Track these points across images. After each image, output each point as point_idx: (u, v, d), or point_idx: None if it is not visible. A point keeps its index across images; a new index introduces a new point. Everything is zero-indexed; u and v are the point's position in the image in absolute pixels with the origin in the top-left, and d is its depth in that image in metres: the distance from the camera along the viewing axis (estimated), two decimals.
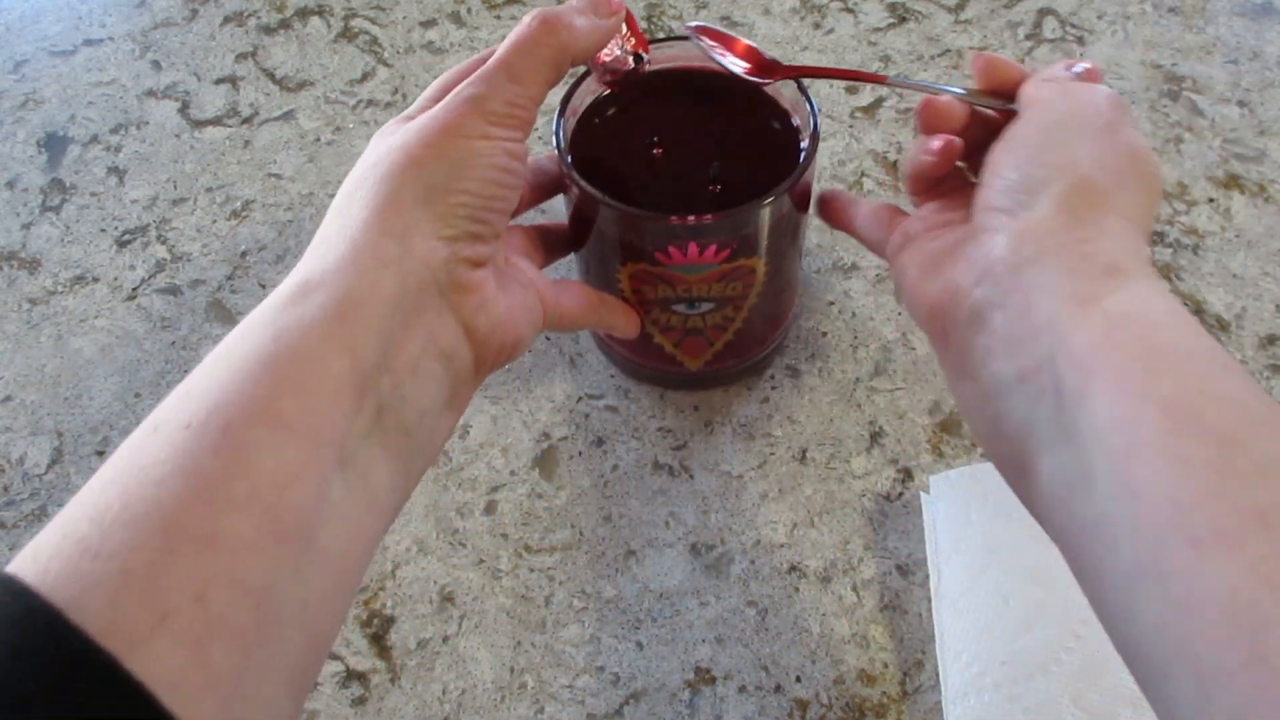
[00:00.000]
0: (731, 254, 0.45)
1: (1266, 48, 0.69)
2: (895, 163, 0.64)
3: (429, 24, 0.72)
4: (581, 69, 0.47)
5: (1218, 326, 0.57)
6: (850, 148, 0.65)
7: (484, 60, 0.41)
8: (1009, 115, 0.40)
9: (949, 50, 0.69)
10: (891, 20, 0.72)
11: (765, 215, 0.44)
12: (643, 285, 0.48)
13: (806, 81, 0.47)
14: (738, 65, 0.47)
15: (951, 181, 0.43)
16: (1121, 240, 0.34)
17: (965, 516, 0.49)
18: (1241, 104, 0.66)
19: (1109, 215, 0.35)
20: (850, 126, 0.66)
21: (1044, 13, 0.71)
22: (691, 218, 0.43)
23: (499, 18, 0.72)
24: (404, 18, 0.73)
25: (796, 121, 0.48)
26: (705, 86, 0.49)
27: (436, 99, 0.42)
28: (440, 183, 0.36)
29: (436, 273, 0.36)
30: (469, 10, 0.73)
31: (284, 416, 0.29)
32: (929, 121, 0.42)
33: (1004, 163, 0.37)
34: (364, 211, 0.36)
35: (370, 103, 0.68)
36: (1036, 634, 0.45)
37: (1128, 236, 0.34)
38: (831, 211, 0.48)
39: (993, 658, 0.45)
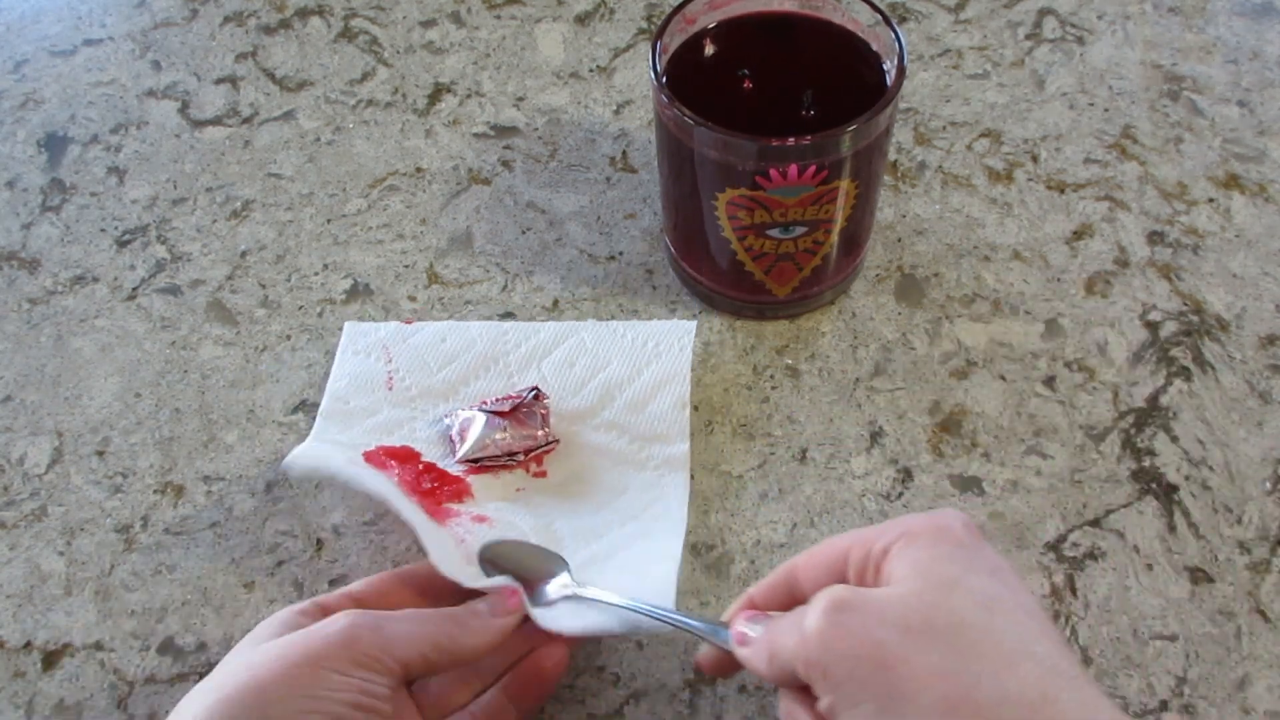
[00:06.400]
0: (827, 176, 0.49)
1: (1266, 48, 0.69)
2: None
3: (429, 24, 0.72)
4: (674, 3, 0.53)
5: (1218, 326, 0.57)
6: None
7: (408, 578, 0.44)
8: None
9: (949, 50, 0.69)
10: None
11: (862, 134, 0.48)
12: (739, 211, 0.51)
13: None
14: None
15: None
16: None
17: None
18: (1241, 104, 0.66)
19: None
20: None
21: (1044, 13, 0.71)
22: (792, 139, 0.47)
23: (499, 18, 0.72)
24: (404, 18, 0.73)
25: (876, 47, 0.52)
26: (785, 25, 0.54)
27: (357, 596, 0.44)
28: (281, 714, 0.37)
29: None
30: (469, 10, 0.73)
31: None
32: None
33: None
34: None
35: (370, 103, 0.68)
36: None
37: None
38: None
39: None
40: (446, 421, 0.54)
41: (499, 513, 0.50)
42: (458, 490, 0.51)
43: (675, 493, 0.51)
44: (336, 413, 0.54)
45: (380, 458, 0.52)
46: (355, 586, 0.44)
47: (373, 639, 0.39)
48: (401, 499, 0.47)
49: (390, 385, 0.55)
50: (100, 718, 0.48)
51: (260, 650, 0.39)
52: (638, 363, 0.55)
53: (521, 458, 0.52)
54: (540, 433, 0.52)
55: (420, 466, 0.52)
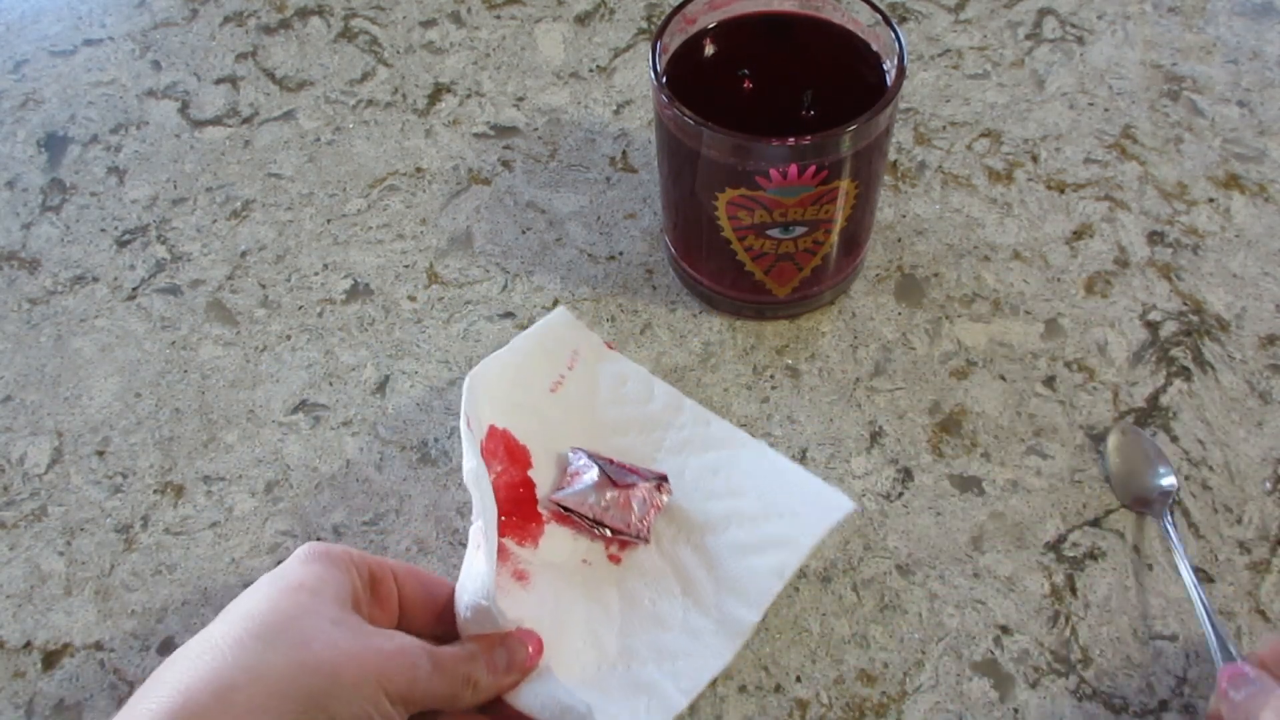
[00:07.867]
0: (827, 176, 0.49)
1: (1266, 48, 0.69)
2: None
3: (429, 24, 0.72)
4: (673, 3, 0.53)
5: (1218, 326, 0.57)
6: None
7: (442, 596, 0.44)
8: None
9: (949, 50, 0.69)
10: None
11: (862, 134, 0.48)
12: (739, 211, 0.51)
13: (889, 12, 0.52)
14: None
15: None
16: None
17: None
18: (1241, 104, 0.66)
19: None
20: None
21: (1044, 13, 0.71)
22: (792, 139, 0.47)
23: (499, 18, 0.72)
24: (404, 18, 0.73)
25: (876, 47, 0.52)
26: (785, 26, 0.54)
27: (400, 578, 0.45)
28: (318, 703, 0.38)
29: None
30: (469, 10, 0.73)
31: None
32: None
33: None
34: (242, 669, 0.38)
35: (370, 103, 0.69)
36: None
37: None
38: None
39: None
40: (572, 456, 0.51)
41: (539, 575, 0.47)
42: (524, 533, 0.49)
43: (713, 662, 0.46)
44: (510, 362, 0.52)
45: (498, 444, 0.50)
46: (400, 571, 0.45)
47: (425, 680, 0.41)
48: (492, 523, 0.45)
49: (555, 389, 0.53)
50: (100, 718, 0.48)
51: (349, 629, 0.40)
52: (772, 509, 0.50)
53: (608, 533, 0.49)
54: (637, 522, 0.49)
55: (520, 477, 0.50)
